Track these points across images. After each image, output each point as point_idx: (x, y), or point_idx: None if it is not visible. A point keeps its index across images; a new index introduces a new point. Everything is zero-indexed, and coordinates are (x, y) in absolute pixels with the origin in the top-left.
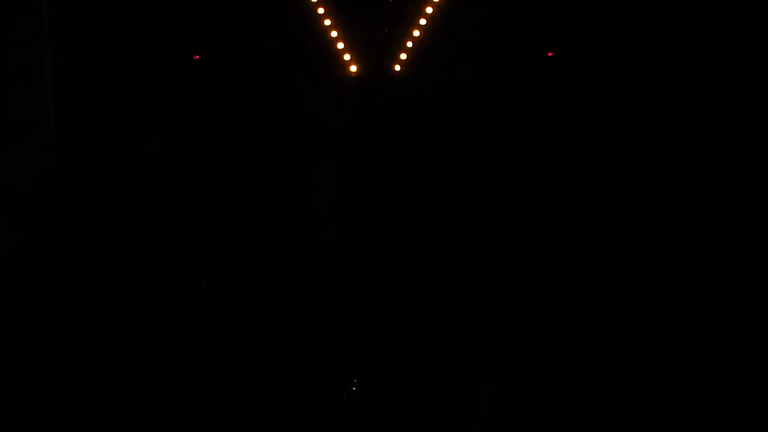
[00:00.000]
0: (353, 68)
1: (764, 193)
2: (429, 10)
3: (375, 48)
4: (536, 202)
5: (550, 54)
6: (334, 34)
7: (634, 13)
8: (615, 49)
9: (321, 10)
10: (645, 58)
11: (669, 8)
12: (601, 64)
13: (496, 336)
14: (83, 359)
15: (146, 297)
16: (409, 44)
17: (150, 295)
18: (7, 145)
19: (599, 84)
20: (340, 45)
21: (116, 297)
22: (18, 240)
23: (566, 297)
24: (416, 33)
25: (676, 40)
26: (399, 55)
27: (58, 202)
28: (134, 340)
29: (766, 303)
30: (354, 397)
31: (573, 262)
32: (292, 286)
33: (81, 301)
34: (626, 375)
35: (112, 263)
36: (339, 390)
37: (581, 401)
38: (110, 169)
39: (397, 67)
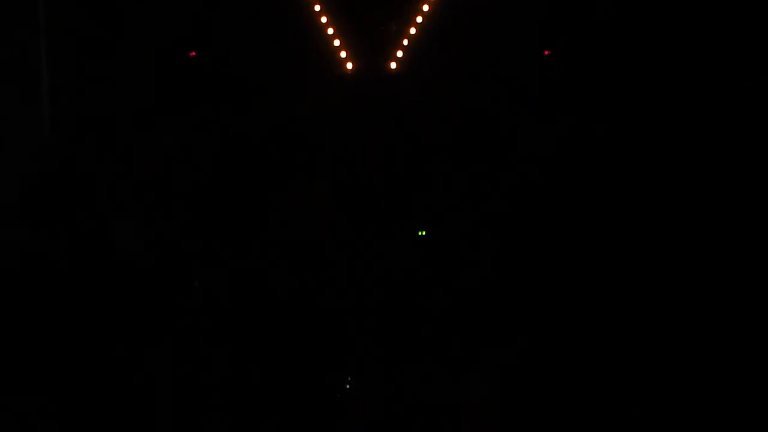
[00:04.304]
0: (349, 66)
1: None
2: (425, 8)
3: (371, 46)
4: (533, 200)
5: (546, 53)
6: (330, 31)
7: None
8: (610, 47)
9: (317, 7)
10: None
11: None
12: (595, 63)
13: (488, 334)
14: (76, 350)
15: (147, 292)
16: (405, 42)
17: (151, 291)
18: (3, 142)
19: (594, 83)
20: (336, 42)
21: (114, 293)
22: (13, 235)
23: (560, 294)
24: (412, 31)
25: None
26: (395, 53)
27: (52, 199)
28: (132, 330)
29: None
30: (350, 394)
31: (567, 259)
32: (291, 286)
33: (73, 298)
34: (624, 373)
35: (106, 261)
36: (337, 387)
37: (576, 398)
38: (104, 166)
39: (393, 65)
